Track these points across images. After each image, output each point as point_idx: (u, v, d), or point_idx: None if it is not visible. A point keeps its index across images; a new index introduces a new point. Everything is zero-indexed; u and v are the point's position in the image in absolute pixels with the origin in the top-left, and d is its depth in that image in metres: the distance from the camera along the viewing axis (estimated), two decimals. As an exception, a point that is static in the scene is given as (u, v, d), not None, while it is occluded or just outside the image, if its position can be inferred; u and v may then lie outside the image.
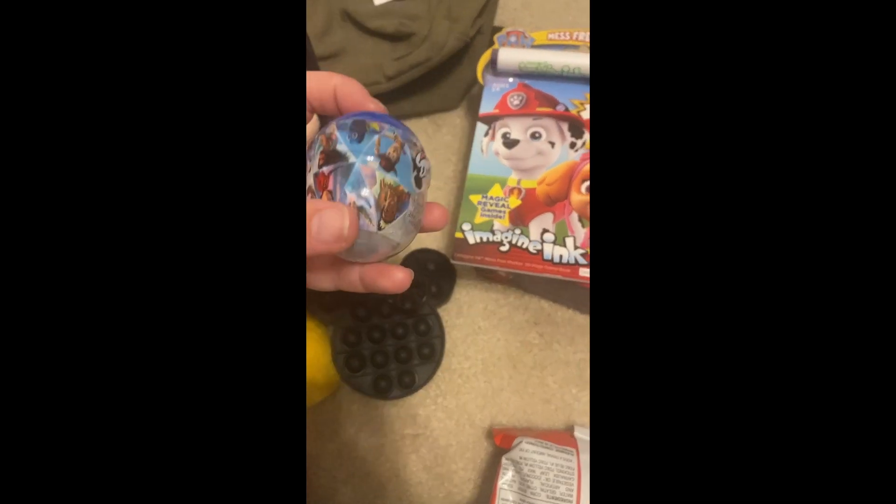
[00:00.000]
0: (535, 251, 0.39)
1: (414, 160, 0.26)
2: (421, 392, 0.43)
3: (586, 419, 0.42)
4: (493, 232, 0.40)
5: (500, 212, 0.41)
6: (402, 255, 0.46)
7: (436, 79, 0.52)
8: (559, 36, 0.47)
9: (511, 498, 0.36)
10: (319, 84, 0.28)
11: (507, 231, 0.40)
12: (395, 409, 0.43)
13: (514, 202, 0.41)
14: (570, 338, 0.44)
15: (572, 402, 0.42)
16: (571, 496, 0.34)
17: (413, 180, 0.26)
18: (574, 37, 0.46)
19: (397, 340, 0.44)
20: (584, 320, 0.44)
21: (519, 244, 0.39)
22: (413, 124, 0.53)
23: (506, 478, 0.36)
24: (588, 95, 0.44)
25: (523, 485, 0.36)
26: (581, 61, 0.44)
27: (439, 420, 0.42)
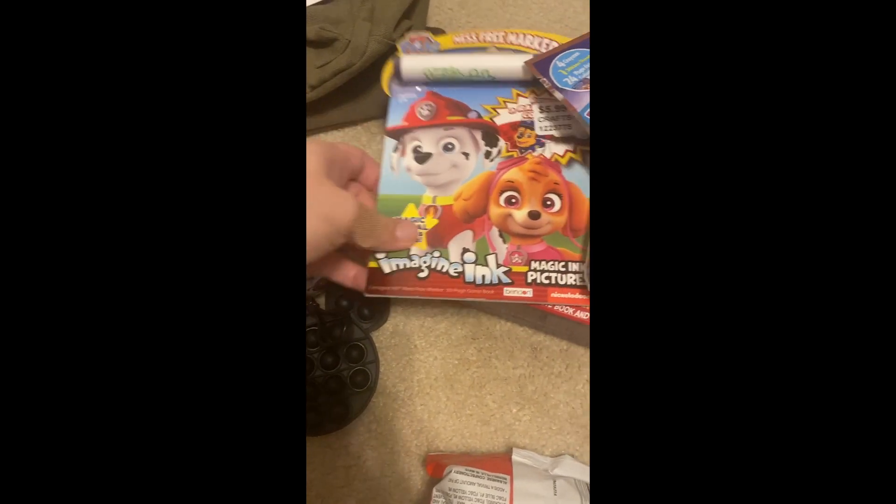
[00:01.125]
0: (455, 274, 0.36)
1: None
2: (353, 422, 0.40)
3: (526, 440, 0.39)
4: (409, 258, 0.36)
5: (417, 234, 0.37)
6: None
7: (365, 85, 0.49)
8: (465, 38, 0.45)
9: (441, 533, 0.33)
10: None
11: (426, 255, 0.36)
12: (326, 439, 0.40)
13: (431, 222, 0.37)
14: (509, 352, 0.41)
15: (512, 422, 0.40)
16: (502, 530, 0.32)
17: None
18: (480, 38, 0.44)
19: (327, 370, 0.41)
20: (522, 332, 0.42)
21: (438, 268, 0.36)
22: (346, 134, 0.50)
23: (436, 511, 0.34)
24: (501, 99, 0.41)
25: (453, 519, 0.33)
26: (489, 63, 0.41)
27: (373, 448, 0.40)
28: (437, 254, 0.36)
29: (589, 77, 0.37)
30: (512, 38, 0.42)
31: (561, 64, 0.38)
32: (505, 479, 0.34)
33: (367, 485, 0.39)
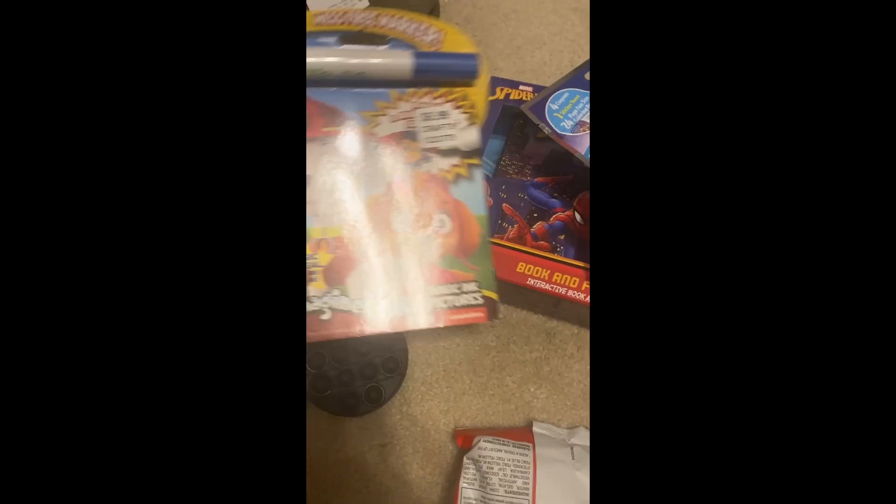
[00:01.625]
0: (358, 311, 0.35)
1: None
2: (387, 403, 0.44)
3: (544, 415, 0.43)
4: (310, 300, 0.35)
5: (312, 274, 0.35)
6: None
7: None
8: (328, 19, 0.36)
9: (472, 496, 0.37)
10: None
11: (325, 295, 0.35)
12: (362, 422, 0.44)
13: (325, 258, 0.35)
14: (526, 337, 0.45)
15: (531, 399, 0.44)
16: (528, 489, 0.36)
17: None
18: (347, 19, 0.36)
19: (361, 357, 0.45)
20: (537, 319, 0.46)
21: (341, 307, 0.35)
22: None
23: (467, 476, 0.37)
24: (380, 105, 0.37)
25: (483, 482, 0.37)
26: (362, 61, 0.34)
27: (405, 428, 0.44)
28: (336, 292, 0.35)
29: (586, 120, 0.38)
30: (384, 20, 0.37)
31: (554, 106, 0.39)
32: (528, 446, 0.38)
33: (401, 460, 0.43)
